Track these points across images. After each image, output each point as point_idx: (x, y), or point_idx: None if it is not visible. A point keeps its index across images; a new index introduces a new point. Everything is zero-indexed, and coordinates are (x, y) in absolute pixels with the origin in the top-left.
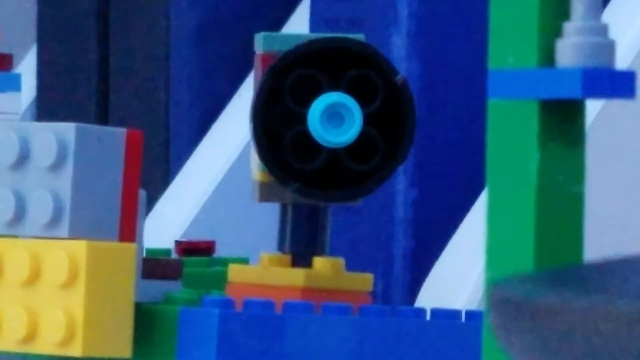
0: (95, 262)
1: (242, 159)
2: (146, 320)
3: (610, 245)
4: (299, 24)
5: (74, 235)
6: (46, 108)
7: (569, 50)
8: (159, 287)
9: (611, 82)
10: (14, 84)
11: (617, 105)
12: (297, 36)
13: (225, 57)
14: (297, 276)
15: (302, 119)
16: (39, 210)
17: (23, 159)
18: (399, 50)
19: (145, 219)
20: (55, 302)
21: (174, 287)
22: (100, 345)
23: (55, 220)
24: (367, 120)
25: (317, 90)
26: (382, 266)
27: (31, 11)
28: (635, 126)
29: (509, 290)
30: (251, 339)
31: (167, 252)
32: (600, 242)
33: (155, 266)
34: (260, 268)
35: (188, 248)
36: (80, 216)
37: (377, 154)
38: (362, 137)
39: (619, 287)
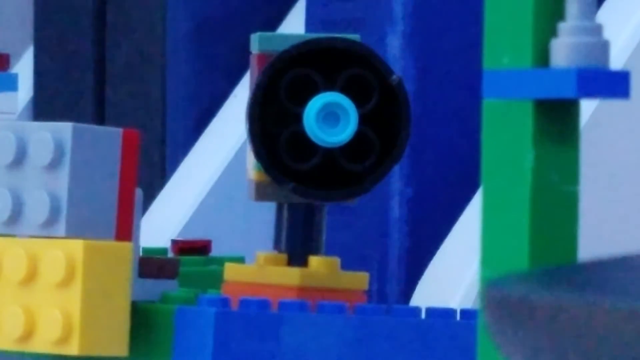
0: (92, 261)
1: (238, 159)
2: (143, 319)
3: (605, 245)
4: (294, 24)
5: (70, 234)
6: (43, 108)
7: (564, 50)
8: (155, 286)
9: (605, 82)
10: (11, 84)
11: (612, 105)
12: (293, 36)
13: (221, 57)
14: (292, 275)
15: (298, 119)
16: (36, 209)
17: (20, 158)
18: (394, 50)
19: (141, 218)
20: (52, 301)
21: (170, 286)
22: (97, 343)
23: (52, 219)
24: (363, 120)
25: (313, 90)
26: (377, 265)
27: (28, 11)
28: (630, 126)
29: (504, 289)
30: (247, 338)
31: (164, 251)
32: (594, 242)
33: (151, 265)
34: (256, 267)
35: (184, 247)
36: (77, 215)
37: (372, 154)
38: (358, 137)
39: (614, 285)
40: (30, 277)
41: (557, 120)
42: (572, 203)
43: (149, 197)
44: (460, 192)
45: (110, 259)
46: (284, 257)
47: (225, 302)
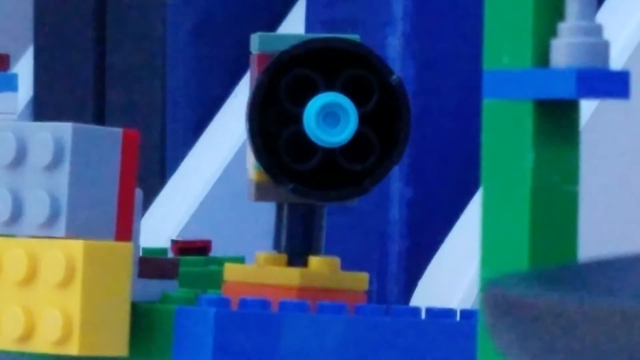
0: (92, 261)
1: (238, 159)
2: (143, 319)
3: (605, 245)
4: (294, 25)
5: (70, 234)
6: (43, 108)
7: (564, 50)
8: (155, 286)
9: (605, 82)
10: (11, 84)
11: (611, 105)
12: (293, 36)
13: (221, 58)
14: (292, 275)
15: (298, 119)
16: (36, 209)
17: (20, 158)
18: (394, 51)
19: (141, 218)
20: (52, 301)
21: (170, 287)
22: (97, 344)
23: (52, 219)
24: (363, 120)
25: (313, 90)
26: (377, 265)
27: (28, 11)
28: (629, 126)
29: (503, 290)
30: (247, 338)
31: (164, 251)
32: (594, 242)
33: (151, 265)
34: (256, 267)
35: (184, 247)
36: (77, 216)
37: (372, 154)
38: (358, 137)
39: (613, 286)
40: (30, 277)
41: (557, 120)
42: (572, 203)
43: (149, 197)
44: (460, 192)
45: (110, 259)
46: (283, 257)
47: (225, 302)
